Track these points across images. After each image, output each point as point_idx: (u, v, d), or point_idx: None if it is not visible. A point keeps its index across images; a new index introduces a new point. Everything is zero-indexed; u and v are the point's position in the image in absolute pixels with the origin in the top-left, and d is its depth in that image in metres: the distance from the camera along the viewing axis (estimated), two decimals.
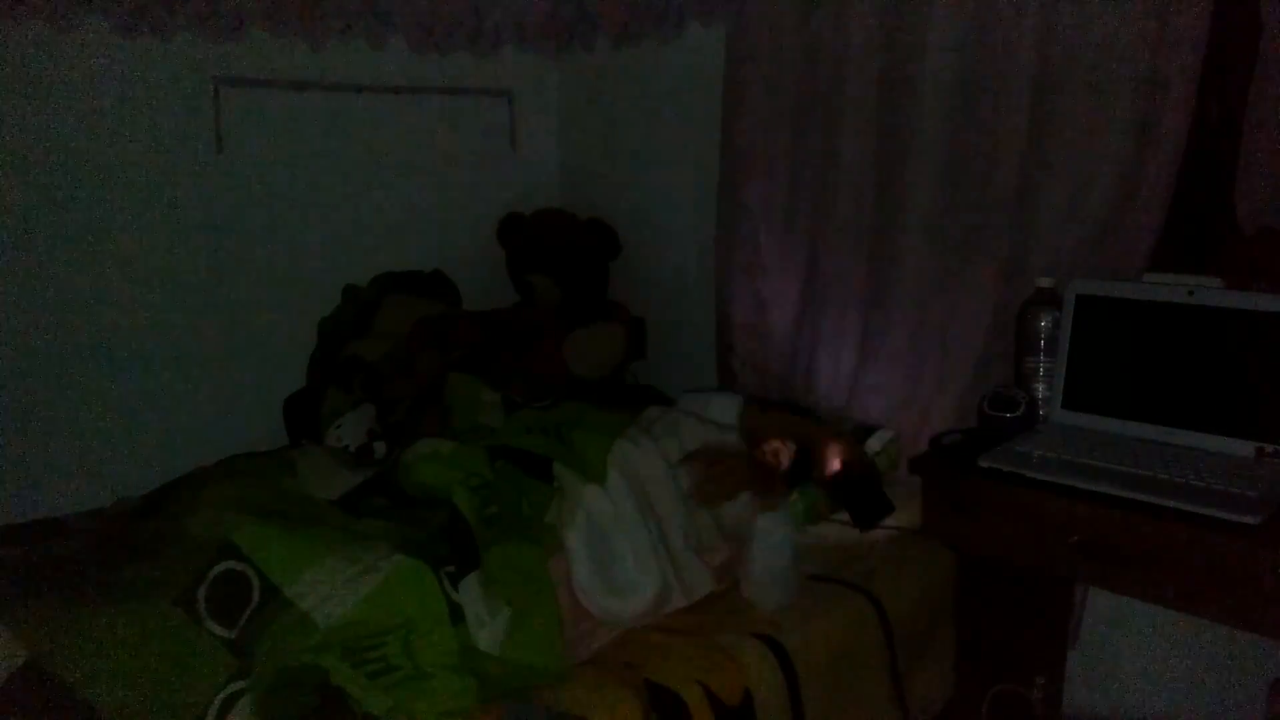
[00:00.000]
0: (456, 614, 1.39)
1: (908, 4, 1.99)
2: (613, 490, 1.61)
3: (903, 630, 1.70)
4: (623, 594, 1.54)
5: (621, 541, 1.58)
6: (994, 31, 1.88)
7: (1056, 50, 1.82)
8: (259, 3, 2.28)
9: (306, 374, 2.47)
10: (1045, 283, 1.81)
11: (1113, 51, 1.76)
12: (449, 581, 1.42)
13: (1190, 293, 1.62)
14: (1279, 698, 1.67)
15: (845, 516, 1.96)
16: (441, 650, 1.36)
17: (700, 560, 1.63)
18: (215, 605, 1.31)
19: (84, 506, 2.00)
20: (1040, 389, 1.80)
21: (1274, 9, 1.61)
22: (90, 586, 1.36)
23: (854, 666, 1.63)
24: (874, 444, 2.09)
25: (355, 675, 1.31)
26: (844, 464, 1.78)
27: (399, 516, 1.55)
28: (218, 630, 1.29)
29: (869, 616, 1.67)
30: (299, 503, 1.57)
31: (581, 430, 1.71)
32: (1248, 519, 1.34)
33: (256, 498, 1.52)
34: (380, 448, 2.07)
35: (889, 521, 1.92)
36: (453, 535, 1.48)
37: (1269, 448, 1.52)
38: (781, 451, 1.76)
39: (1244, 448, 1.55)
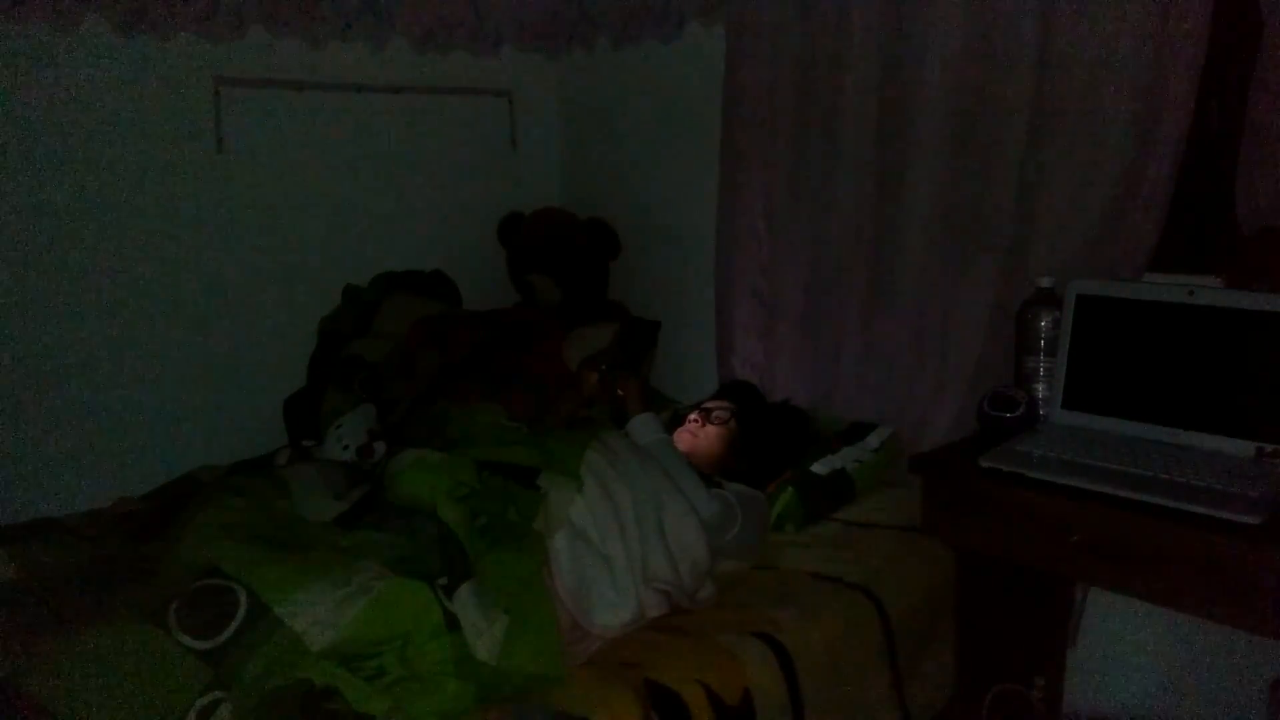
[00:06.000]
0: (453, 624, 1.39)
1: (907, 4, 1.99)
2: (590, 499, 1.61)
3: (903, 629, 1.71)
4: (605, 605, 1.55)
5: (602, 551, 1.59)
6: (994, 31, 1.88)
7: (1057, 50, 1.82)
8: (259, 3, 2.29)
9: (306, 374, 2.47)
10: (1045, 283, 1.80)
11: (1113, 52, 1.76)
12: (443, 593, 1.41)
13: (1190, 293, 1.62)
14: (1279, 698, 1.67)
15: (844, 516, 1.97)
16: (439, 659, 1.35)
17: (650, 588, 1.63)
18: (186, 618, 1.31)
19: (84, 506, 2.00)
20: (1040, 389, 1.80)
21: (1274, 9, 1.61)
22: (71, 608, 1.36)
23: (854, 666, 1.63)
24: (872, 441, 2.10)
25: (351, 678, 1.31)
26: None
27: (392, 526, 1.54)
28: (189, 642, 1.29)
29: (869, 616, 1.67)
30: (290, 526, 1.56)
31: (554, 439, 1.74)
32: (1248, 519, 1.34)
33: (247, 522, 1.52)
34: (380, 448, 2.07)
35: (885, 520, 1.93)
36: (443, 547, 1.48)
37: (1269, 448, 1.52)
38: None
39: (1244, 448, 1.55)
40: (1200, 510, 1.38)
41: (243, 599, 1.33)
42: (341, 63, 2.49)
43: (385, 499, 1.63)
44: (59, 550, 1.68)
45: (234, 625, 1.31)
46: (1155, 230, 1.78)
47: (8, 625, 1.35)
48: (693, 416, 2.04)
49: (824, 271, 2.26)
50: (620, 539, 1.59)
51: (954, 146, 1.98)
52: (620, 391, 1.96)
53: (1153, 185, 1.76)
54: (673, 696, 1.40)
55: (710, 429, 2.00)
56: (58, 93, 2.11)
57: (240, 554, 1.40)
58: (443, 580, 1.42)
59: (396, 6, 2.51)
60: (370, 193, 2.62)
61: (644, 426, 1.89)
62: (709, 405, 2.06)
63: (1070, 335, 1.73)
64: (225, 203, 2.37)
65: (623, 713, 1.35)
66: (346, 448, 2.09)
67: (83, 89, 2.14)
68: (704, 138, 2.45)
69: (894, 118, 2.06)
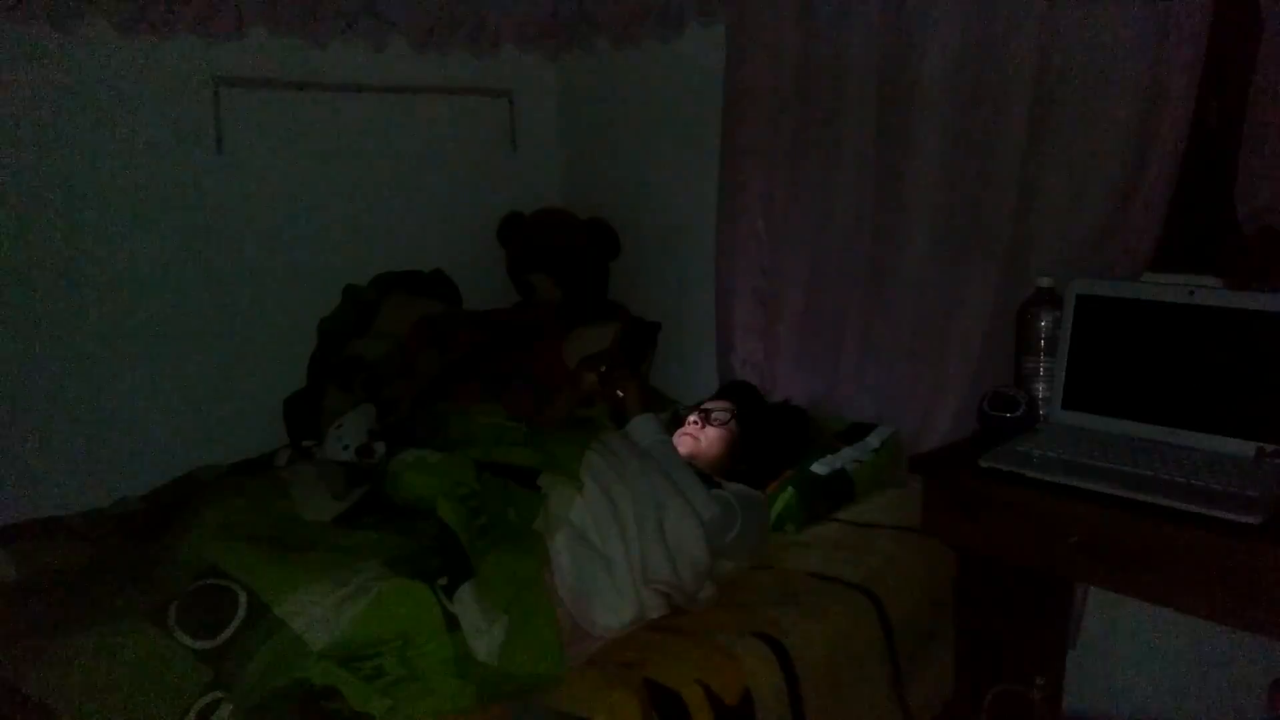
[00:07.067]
0: (453, 624, 1.39)
1: (908, 4, 1.99)
2: (590, 500, 1.61)
3: (903, 630, 1.71)
4: (605, 606, 1.55)
5: (602, 552, 1.59)
6: (994, 31, 1.88)
7: (1057, 50, 1.82)
8: (259, 3, 2.28)
9: (306, 374, 2.47)
10: (1045, 283, 1.81)
11: (1113, 51, 1.76)
12: (443, 593, 1.41)
13: (1190, 293, 1.62)
14: (1279, 698, 1.67)
15: (844, 516, 1.97)
16: (439, 659, 1.36)
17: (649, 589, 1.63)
18: (186, 618, 1.31)
19: (84, 506, 2.00)
20: (1040, 389, 1.80)
21: (1274, 9, 1.61)
22: (71, 608, 1.36)
23: (854, 666, 1.63)
24: (872, 441, 2.10)
25: (351, 678, 1.31)
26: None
27: (392, 526, 1.54)
28: (188, 642, 1.29)
29: (869, 616, 1.67)
30: (290, 526, 1.56)
31: (554, 440, 1.73)
32: (1248, 519, 1.34)
33: (247, 522, 1.52)
34: (380, 448, 2.07)
35: (885, 520, 1.93)
36: (443, 547, 1.48)
37: (1269, 448, 1.52)
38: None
39: (1244, 448, 1.55)
40: (1200, 510, 1.38)
41: (243, 599, 1.33)
42: (341, 63, 2.49)
43: (385, 499, 1.63)
44: (59, 550, 1.68)
45: (234, 625, 1.31)
46: (1155, 230, 1.78)
47: (8, 625, 1.35)
48: (692, 418, 2.04)
49: (824, 271, 2.26)
50: (620, 540, 1.59)
51: (954, 146, 1.98)
52: (620, 392, 1.96)
53: (1153, 185, 1.76)
54: (673, 696, 1.40)
55: (710, 430, 2.00)
56: (58, 93, 2.11)
57: (240, 554, 1.40)
58: (443, 580, 1.42)
59: (396, 6, 2.50)
60: (370, 193, 2.62)
61: (643, 427, 1.89)
62: (709, 406, 2.06)
63: (1070, 335, 1.73)
64: (225, 203, 2.37)
65: (623, 713, 1.35)
66: (346, 448, 2.09)
67: (83, 89, 2.13)
68: (704, 138, 2.45)
69: (894, 118, 2.06)
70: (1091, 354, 1.72)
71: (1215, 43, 1.68)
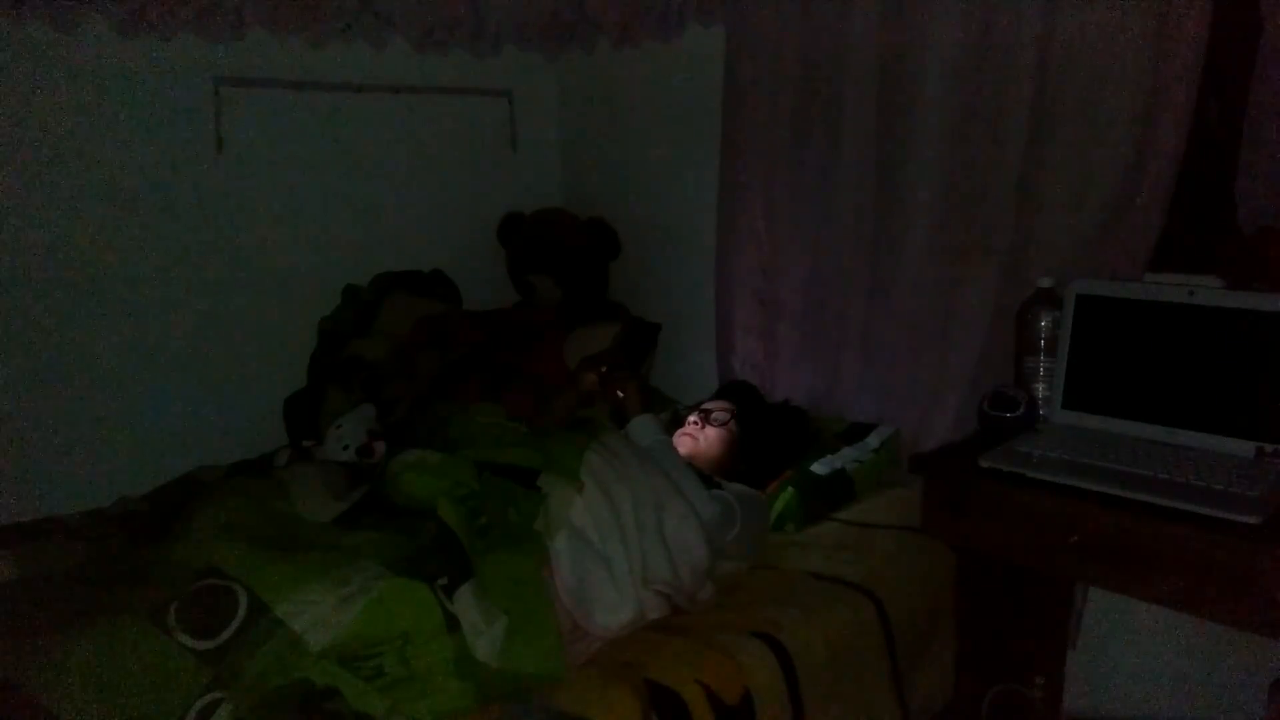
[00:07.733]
0: (453, 624, 1.39)
1: (907, 4, 1.99)
2: (590, 500, 1.61)
3: (903, 630, 1.70)
4: (605, 606, 1.55)
5: (602, 553, 1.59)
6: (994, 30, 1.88)
7: (1057, 49, 1.82)
8: (259, 3, 2.28)
9: (307, 374, 2.47)
10: (1045, 283, 1.81)
11: (1113, 51, 1.76)
12: (443, 593, 1.41)
13: (1190, 293, 1.62)
14: (1279, 698, 1.67)
15: (844, 516, 1.97)
16: (439, 659, 1.36)
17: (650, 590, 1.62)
18: (186, 618, 1.30)
19: (84, 506, 2.00)
20: (1040, 389, 1.80)
21: (1274, 9, 1.61)
22: (71, 608, 1.36)
23: (854, 666, 1.63)
24: (872, 441, 2.10)
25: (351, 678, 1.31)
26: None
27: (392, 526, 1.54)
28: (188, 642, 1.28)
29: (869, 616, 1.67)
30: (290, 526, 1.56)
31: (554, 440, 1.73)
32: (1248, 519, 1.34)
33: (247, 522, 1.52)
34: (380, 448, 2.07)
35: (885, 520, 1.93)
36: (443, 547, 1.48)
37: (1269, 448, 1.52)
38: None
39: (1244, 448, 1.55)
40: (1200, 510, 1.38)
41: (243, 599, 1.33)
42: (341, 63, 2.49)
43: (385, 499, 1.63)
44: (59, 550, 1.67)
45: (234, 625, 1.31)
46: (1155, 230, 1.78)
47: (8, 625, 1.35)
48: (692, 418, 2.04)
49: (824, 271, 2.26)
50: (620, 540, 1.59)
51: (954, 146, 1.98)
52: (620, 392, 1.96)
53: (1153, 185, 1.76)
54: (673, 696, 1.40)
55: (710, 430, 2.00)
56: (58, 93, 2.11)
57: (240, 554, 1.40)
58: (443, 580, 1.42)
59: (396, 6, 2.50)
60: (370, 193, 2.62)
61: (643, 428, 1.89)
62: (709, 406, 2.06)
63: (1070, 335, 1.73)
64: (225, 203, 2.37)
65: (623, 713, 1.35)
66: (346, 448, 2.09)
67: (83, 89, 2.13)
68: (704, 138, 2.45)
69: (894, 118, 2.06)
70: (1091, 354, 1.72)
71: (1215, 43, 1.68)
